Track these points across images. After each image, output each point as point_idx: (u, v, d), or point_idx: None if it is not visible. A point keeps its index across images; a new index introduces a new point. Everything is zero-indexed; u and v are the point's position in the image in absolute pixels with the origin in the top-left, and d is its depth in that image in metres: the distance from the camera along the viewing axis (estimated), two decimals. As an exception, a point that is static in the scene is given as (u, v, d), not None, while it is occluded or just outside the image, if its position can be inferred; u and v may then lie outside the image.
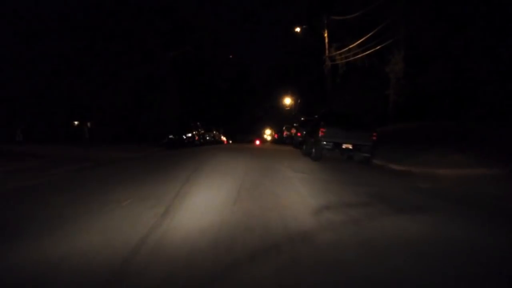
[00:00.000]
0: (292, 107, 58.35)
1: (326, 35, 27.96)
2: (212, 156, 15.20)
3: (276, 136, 49.10)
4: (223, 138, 45.36)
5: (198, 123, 31.25)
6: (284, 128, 36.86)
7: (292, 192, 7.75)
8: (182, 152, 19.58)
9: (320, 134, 13.88)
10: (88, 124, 29.43)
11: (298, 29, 29.27)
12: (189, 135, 26.53)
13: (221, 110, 48.34)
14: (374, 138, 13.76)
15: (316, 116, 16.18)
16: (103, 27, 24.00)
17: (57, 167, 11.71)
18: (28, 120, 26.42)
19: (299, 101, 52.49)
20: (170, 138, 26.30)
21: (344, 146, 13.74)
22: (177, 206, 6.32)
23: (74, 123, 30.00)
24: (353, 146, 13.73)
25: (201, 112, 39.85)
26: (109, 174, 10.83)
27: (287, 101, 59.29)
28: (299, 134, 23.44)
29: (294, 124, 32.11)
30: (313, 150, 14.57)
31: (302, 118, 24.29)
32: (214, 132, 37.68)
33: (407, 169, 12.56)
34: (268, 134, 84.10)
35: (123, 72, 24.13)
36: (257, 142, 52.28)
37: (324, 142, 13.80)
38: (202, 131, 31.79)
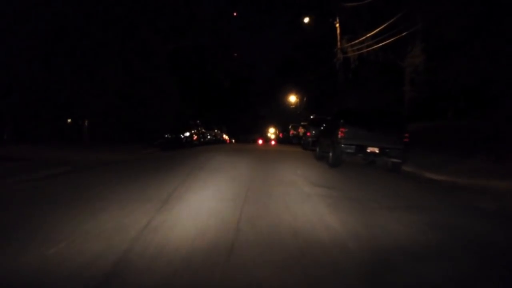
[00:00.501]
0: (297, 105, 55.70)
1: (337, 24, 25.30)
2: (208, 161, 12.65)
3: (281, 135, 46.49)
4: (225, 137, 42.84)
5: (198, 122, 28.73)
6: (290, 127, 34.25)
7: (318, 226, 5.15)
8: (176, 155, 17.07)
9: (340, 135, 11.27)
10: (86, 122, 26.89)
11: (306, 20, 26.64)
12: (187, 134, 24.02)
13: (224, 108, 45.75)
14: (406, 139, 11.15)
15: (334, 114, 13.52)
16: (93, 14, 21.46)
17: (24, 173, 9.26)
18: (19, 117, 24.01)
19: (305, 99, 49.82)
20: (167, 137, 23.79)
21: (369, 149, 11.13)
22: (132, 260, 3.76)
23: (68, 121, 27.59)
24: (380, 150, 11.12)
25: (202, 110, 37.27)
26: (74, 187, 8.27)
27: (292, 99, 56.69)
28: (308, 134, 20.86)
29: (302, 123, 29.53)
30: (331, 154, 11.98)
31: (311, 116, 21.72)
32: (216, 131, 35.15)
33: (451, 180, 9.94)
34: (272, 132, 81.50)
35: (112, 62, 21.55)
36: (260, 142, 49.75)
37: (345, 145, 11.20)
38: (202, 130, 29.28)
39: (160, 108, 27.72)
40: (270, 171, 10.28)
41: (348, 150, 11.18)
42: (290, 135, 32.92)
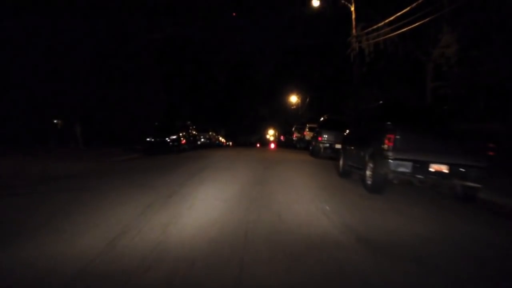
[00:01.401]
0: (299, 106, 51.56)
1: (353, 8, 21.15)
2: (184, 183, 8.38)
3: (282, 138, 42.27)
4: (222, 140, 38.63)
5: (188, 123, 24.54)
6: (294, 129, 30.12)
7: None
8: (148, 167, 12.87)
9: (387, 144, 7.05)
10: (60, 123, 22.71)
11: (316, 2, 22.41)
12: (174, 137, 19.80)
13: (221, 108, 41.50)
14: (492, 153, 6.97)
15: (373, 110, 9.17)
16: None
17: None
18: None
19: (307, 99, 45.59)
20: (149, 141, 19.58)
21: (433, 168, 6.92)
22: None
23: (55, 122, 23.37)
24: (449, 169, 6.92)
25: (197, 110, 32.99)
26: None
27: (293, 99, 52.54)
28: (320, 138, 16.68)
29: (308, 124, 25.39)
30: (368, 172, 7.78)
31: (324, 117, 17.53)
32: (210, 133, 30.95)
33: None
34: (271, 134, 77.31)
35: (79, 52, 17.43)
36: (258, 145, 45.54)
37: (395, 161, 6.98)
38: (193, 132, 25.07)
39: (145, 107, 23.57)
40: (278, 207, 6.07)
41: (401, 169, 6.97)
42: (294, 138, 28.78)
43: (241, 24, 40.64)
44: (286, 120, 56.77)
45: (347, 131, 10.63)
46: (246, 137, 64.77)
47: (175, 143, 19.73)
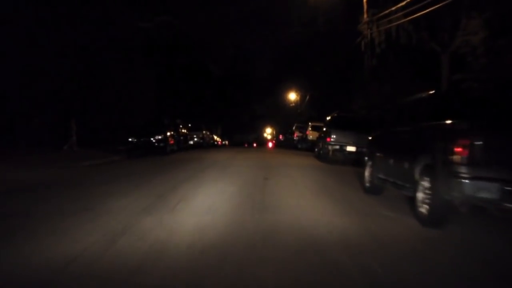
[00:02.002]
0: (298, 103, 48.95)
1: (364, -11, 18.56)
2: (149, 209, 5.70)
3: (281, 137, 39.61)
4: (216, 139, 36.00)
5: (178, 121, 21.92)
6: (294, 128, 27.52)
7: None
8: (120, 175, 10.23)
9: (459, 155, 4.43)
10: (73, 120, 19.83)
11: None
12: (160, 137, 17.15)
13: (217, 105, 38.80)
14: None
15: (432, 98, 6.32)
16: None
17: None
18: None
19: (307, 96, 42.94)
20: (131, 142, 16.94)
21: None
22: None
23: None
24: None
25: (189, 107, 30.25)
26: None
27: (292, 96, 49.93)
28: (329, 139, 14.07)
29: (311, 123, 22.82)
30: (420, 195, 5.16)
31: (333, 115, 14.88)
32: (204, 132, 28.28)
33: None
34: (269, 133, 74.63)
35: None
36: (255, 145, 42.96)
37: (472, 181, 4.37)
38: (184, 131, 22.45)
39: (133, 104, 20.93)
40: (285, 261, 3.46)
41: (483, 194, 4.36)
42: (295, 138, 26.18)
43: (238, 15, 37.85)
44: (285, 118, 54.16)
45: (376, 132, 7.98)
46: (243, 135, 62.15)
47: (161, 144, 17.10)
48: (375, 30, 19.49)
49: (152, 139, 17.16)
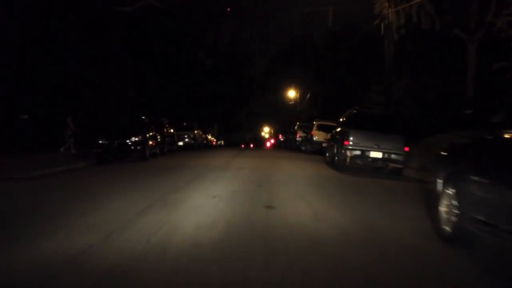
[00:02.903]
0: (297, 101, 45.73)
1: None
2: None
3: (281, 137, 36.38)
4: (211, 138, 32.72)
5: (163, 119, 18.71)
6: (296, 127, 24.29)
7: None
8: (55, 198, 6.90)
9: None
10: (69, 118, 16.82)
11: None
12: (137, 138, 13.87)
13: (212, 103, 35.43)
14: None
15: None
16: None
17: None
18: None
19: (308, 94, 39.67)
20: (102, 144, 13.65)
21: None
22: None
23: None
24: None
25: (177, 104, 26.86)
26: None
27: (291, 93, 46.76)
28: (346, 142, 10.83)
29: (316, 123, 19.63)
30: None
31: (352, 111, 11.54)
32: (196, 131, 25.02)
33: None
34: (266, 132, 71.34)
35: None
36: (251, 146, 39.68)
37: None
38: (171, 131, 19.21)
39: (108, 99, 17.68)
40: None
41: None
42: (298, 138, 22.96)
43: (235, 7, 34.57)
44: (283, 117, 50.92)
45: (460, 138, 4.69)
46: (240, 135, 58.95)
47: (139, 147, 13.82)
48: (393, 11, 16.27)
49: (128, 141, 13.88)
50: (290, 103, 47.49)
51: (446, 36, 17.90)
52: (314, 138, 19.10)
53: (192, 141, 24.13)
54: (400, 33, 16.99)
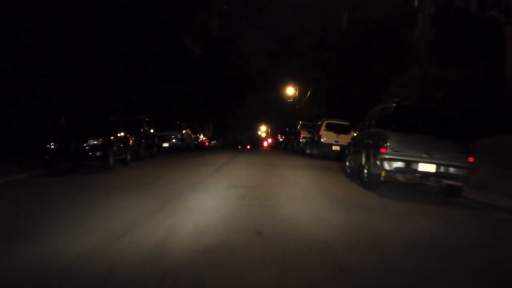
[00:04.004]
0: (296, 99, 42.36)
1: None
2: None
3: (280, 137, 32.88)
4: (202, 138, 29.14)
5: (143, 117, 15.28)
6: (299, 126, 20.80)
7: None
8: None
9: None
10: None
11: None
12: (96, 142, 10.35)
13: (203, 99, 31.82)
14: None
15: None
16: None
17: None
18: None
19: (309, 91, 36.21)
20: (51, 149, 10.14)
21: None
22: None
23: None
24: None
25: (164, 99, 23.17)
26: None
27: (290, 91, 43.45)
28: (383, 149, 7.33)
29: (326, 121, 16.21)
30: None
31: (392, 104, 7.95)
32: (184, 131, 21.50)
33: None
34: (263, 131, 67.94)
35: None
36: (248, 147, 36.25)
37: None
38: (150, 131, 15.71)
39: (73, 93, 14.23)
40: None
41: None
42: (301, 139, 19.50)
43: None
44: (282, 115, 47.55)
45: None
46: (236, 134, 55.59)
47: (99, 152, 10.31)
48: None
49: (85, 145, 10.37)
50: (289, 100, 44.23)
51: (481, 18, 14.58)
52: (322, 140, 15.64)
53: (180, 142, 20.64)
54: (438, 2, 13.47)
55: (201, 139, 27.54)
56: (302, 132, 19.43)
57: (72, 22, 14.20)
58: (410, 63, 14.15)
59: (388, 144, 7.32)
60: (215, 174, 9.30)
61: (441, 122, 7.47)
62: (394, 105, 7.71)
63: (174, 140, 20.41)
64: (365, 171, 8.04)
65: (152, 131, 15.89)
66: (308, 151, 17.56)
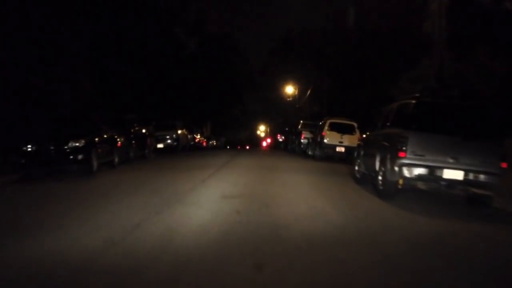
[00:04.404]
0: (296, 97, 41.27)
1: None
2: None
3: (279, 137, 31.81)
4: (200, 138, 28.06)
5: (132, 116, 14.19)
6: (300, 126, 19.71)
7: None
8: None
9: None
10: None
11: None
12: (78, 144, 9.28)
13: (203, 98, 30.74)
14: None
15: None
16: None
17: None
18: None
19: (310, 90, 35.11)
20: (28, 152, 9.06)
21: None
22: None
23: None
24: None
25: (155, 97, 22.01)
26: None
27: (289, 89, 42.37)
28: (402, 154, 6.24)
29: (330, 121, 15.15)
30: None
31: (411, 101, 6.71)
32: (179, 131, 20.42)
33: None
34: (262, 130, 66.80)
35: None
36: (247, 147, 35.21)
37: None
38: (142, 131, 14.63)
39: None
40: None
41: None
42: (302, 140, 18.41)
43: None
44: (281, 114, 46.48)
45: None
46: (235, 134, 54.51)
47: (80, 156, 9.23)
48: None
49: (66, 147, 9.29)
50: (288, 99, 43.16)
51: (495, 11, 13.47)
52: (325, 140, 14.54)
53: (175, 143, 19.57)
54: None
55: (198, 139, 26.46)
56: (303, 132, 18.33)
57: (53, 10, 13.05)
58: (421, 56, 13.05)
59: (408, 147, 6.24)
60: (208, 180, 8.22)
61: (469, 121, 6.39)
62: (414, 101, 6.62)
63: (169, 141, 19.35)
64: (380, 177, 6.97)
65: (144, 131, 14.81)
66: (310, 152, 16.48)
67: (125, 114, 13.94)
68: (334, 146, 14.46)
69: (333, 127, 14.63)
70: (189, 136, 22.49)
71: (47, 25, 12.67)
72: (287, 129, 28.07)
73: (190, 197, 6.36)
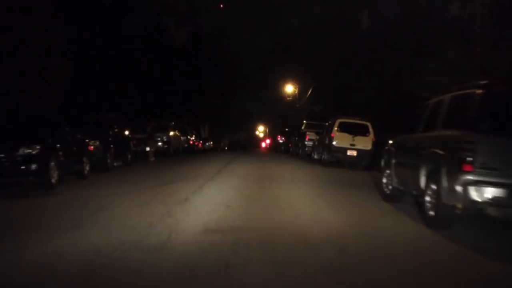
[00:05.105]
0: (296, 97, 39.42)
1: None
2: None
3: (279, 138, 29.71)
4: (194, 140, 26.01)
5: (112, 116, 12.19)
6: (303, 127, 17.68)
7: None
8: None
9: None
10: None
11: None
12: (31, 150, 7.28)
13: (200, 98, 28.70)
14: None
15: None
16: None
17: None
18: None
19: (311, 89, 33.18)
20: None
21: None
22: None
23: None
24: None
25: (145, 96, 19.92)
26: None
27: (289, 89, 40.71)
28: (468, 167, 4.21)
29: (339, 120, 13.11)
30: None
31: (478, 91, 4.70)
32: (172, 133, 18.47)
33: None
34: (261, 131, 64.96)
35: None
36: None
37: None
38: (125, 133, 12.63)
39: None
40: None
41: None
42: (307, 142, 16.37)
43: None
44: (280, 115, 44.62)
45: None
46: (234, 135, 52.67)
47: (34, 166, 7.21)
48: None
49: (17, 153, 7.28)
50: (288, 99, 41.39)
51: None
52: (335, 143, 12.50)
53: (165, 146, 17.60)
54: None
55: (192, 141, 24.43)
56: (308, 133, 16.27)
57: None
58: (444, 44, 11.08)
59: (476, 157, 4.22)
60: (193, 199, 6.19)
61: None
62: (479, 91, 4.58)
63: (159, 144, 17.38)
64: (428, 199, 4.94)
65: (127, 133, 12.78)
66: (316, 156, 14.45)
67: (104, 114, 11.92)
68: (345, 150, 12.43)
69: (344, 128, 12.60)
70: (182, 138, 20.49)
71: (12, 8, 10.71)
72: (287, 129, 26.07)
73: (158, 231, 4.31)
